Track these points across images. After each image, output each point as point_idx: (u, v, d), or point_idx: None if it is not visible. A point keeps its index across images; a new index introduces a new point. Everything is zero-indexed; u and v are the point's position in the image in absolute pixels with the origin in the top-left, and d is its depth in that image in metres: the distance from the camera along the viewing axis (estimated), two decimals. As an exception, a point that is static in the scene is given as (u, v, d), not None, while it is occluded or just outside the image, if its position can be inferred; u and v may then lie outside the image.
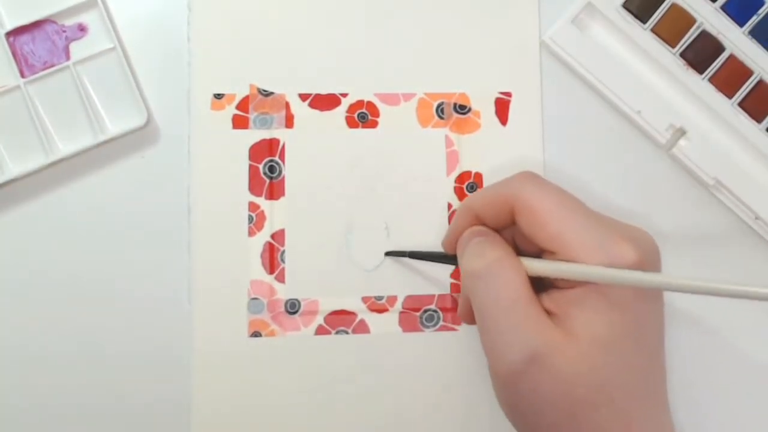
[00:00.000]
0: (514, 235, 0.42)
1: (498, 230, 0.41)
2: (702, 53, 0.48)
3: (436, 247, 0.47)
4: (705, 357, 0.49)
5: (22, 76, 0.47)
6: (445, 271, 0.48)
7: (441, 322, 0.48)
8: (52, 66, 0.47)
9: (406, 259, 0.47)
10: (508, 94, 0.49)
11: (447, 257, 0.45)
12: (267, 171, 0.48)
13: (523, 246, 0.42)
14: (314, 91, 0.48)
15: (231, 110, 0.48)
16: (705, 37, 0.48)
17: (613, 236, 0.37)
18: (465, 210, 0.42)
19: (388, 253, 0.48)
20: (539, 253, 0.40)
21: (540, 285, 0.39)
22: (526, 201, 0.39)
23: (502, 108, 0.49)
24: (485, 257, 0.39)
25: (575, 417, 0.37)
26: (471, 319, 0.42)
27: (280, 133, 0.48)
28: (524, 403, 0.38)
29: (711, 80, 0.48)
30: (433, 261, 0.46)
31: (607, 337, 0.37)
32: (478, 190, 0.43)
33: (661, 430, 0.38)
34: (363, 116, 0.48)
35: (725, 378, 0.49)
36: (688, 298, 0.48)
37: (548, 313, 0.38)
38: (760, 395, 0.49)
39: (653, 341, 0.39)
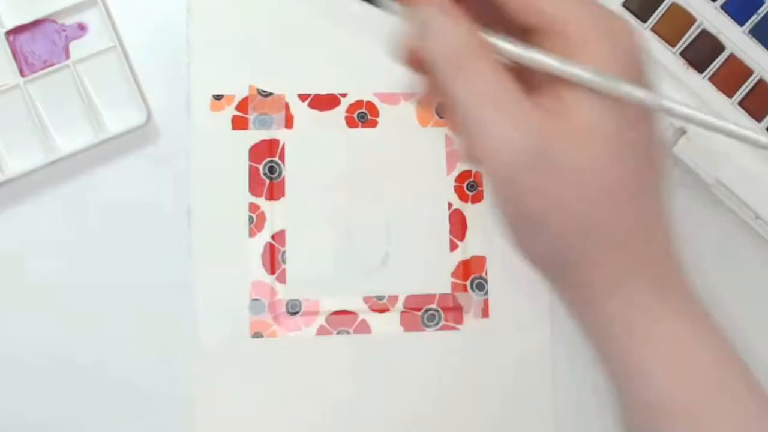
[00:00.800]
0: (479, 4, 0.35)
1: None
2: (702, 52, 0.48)
3: (438, 247, 0.47)
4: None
5: (22, 75, 0.47)
6: (445, 270, 0.48)
7: (442, 322, 0.48)
8: (52, 65, 0.47)
9: (407, 258, 0.47)
10: (508, 93, 0.49)
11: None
12: (267, 171, 0.48)
13: (489, 18, 0.35)
14: (313, 92, 0.48)
15: (230, 111, 0.48)
16: (705, 36, 0.48)
17: (611, 14, 0.32)
18: None
19: None
20: (512, 29, 0.34)
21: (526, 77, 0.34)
22: None
23: (502, 107, 0.49)
24: (454, 41, 0.33)
25: (584, 217, 0.33)
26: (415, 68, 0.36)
27: (279, 134, 0.48)
28: (528, 204, 0.33)
29: (711, 80, 0.48)
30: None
31: (609, 131, 0.32)
32: None
33: (674, 256, 0.35)
34: (362, 116, 0.48)
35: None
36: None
37: (540, 105, 0.33)
38: None
39: (652, 145, 0.34)
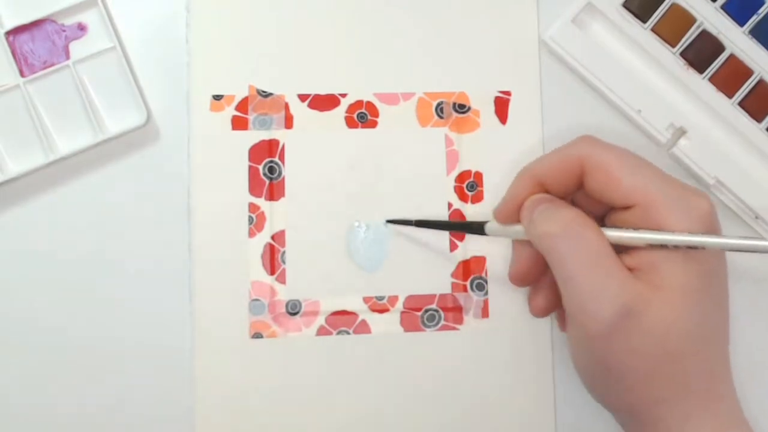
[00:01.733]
0: (576, 202, 0.43)
1: (558, 193, 0.42)
2: (702, 53, 0.48)
3: (438, 247, 0.47)
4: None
5: (22, 75, 0.47)
6: (446, 270, 0.48)
7: (442, 322, 0.48)
8: (52, 65, 0.47)
9: (407, 258, 0.47)
10: (508, 93, 0.49)
11: (465, 226, 0.47)
12: (267, 172, 0.48)
13: (588, 211, 0.42)
14: (313, 92, 0.48)
15: (230, 111, 0.48)
16: (705, 36, 0.48)
17: (686, 189, 0.39)
18: (526, 177, 0.42)
19: (390, 221, 0.48)
20: (607, 215, 0.41)
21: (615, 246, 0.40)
22: (597, 160, 0.40)
23: (501, 107, 0.49)
24: (561, 218, 0.40)
25: (664, 368, 0.38)
26: (523, 282, 0.44)
27: (279, 134, 0.48)
28: (615, 358, 0.38)
29: (711, 80, 0.48)
30: (447, 230, 0.47)
31: (691, 287, 0.38)
32: (536, 159, 0.43)
33: (731, 379, 0.40)
34: (362, 116, 0.48)
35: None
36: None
37: (631, 268, 0.39)
38: None
39: (724, 291, 0.40)
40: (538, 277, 0.43)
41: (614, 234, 0.39)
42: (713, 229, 0.39)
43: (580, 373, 0.41)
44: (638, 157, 0.40)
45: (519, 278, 0.44)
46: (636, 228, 0.39)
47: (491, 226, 0.44)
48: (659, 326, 0.37)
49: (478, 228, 0.45)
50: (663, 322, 0.37)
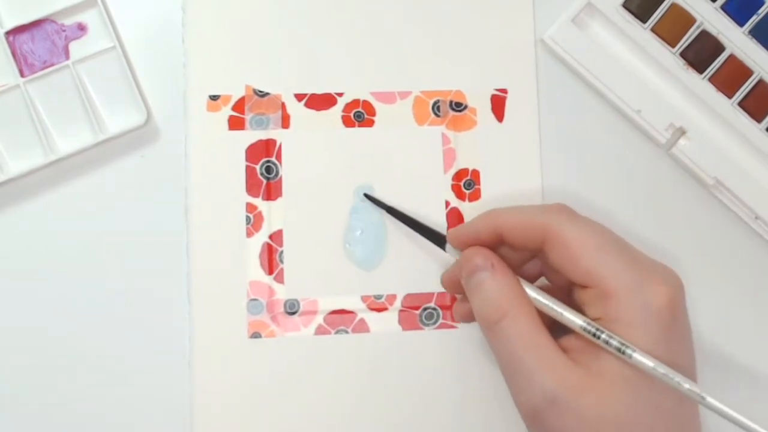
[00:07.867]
0: (542, 266, 0.42)
1: (515, 250, 0.41)
2: (702, 53, 0.48)
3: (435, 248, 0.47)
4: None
5: (22, 75, 0.47)
6: (444, 268, 0.48)
7: (440, 320, 0.48)
8: (52, 65, 0.47)
9: (405, 256, 0.47)
10: (504, 91, 0.49)
11: (431, 233, 0.45)
12: (264, 172, 0.48)
13: (548, 276, 0.42)
14: (310, 91, 0.48)
15: (227, 111, 0.48)
16: (705, 36, 0.48)
17: (648, 277, 0.37)
18: (489, 222, 0.42)
19: (366, 196, 0.48)
20: (567, 286, 0.40)
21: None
22: (561, 234, 0.39)
23: (498, 105, 0.49)
24: (497, 304, 0.39)
25: None
26: (456, 289, 0.45)
27: (276, 134, 0.48)
28: None
29: (711, 80, 0.48)
30: (412, 228, 0.46)
31: (632, 377, 0.37)
32: (508, 207, 0.42)
33: None
34: (359, 115, 0.48)
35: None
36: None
37: (572, 350, 0.38)
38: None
39: (677, 412, 0.38)
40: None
41: (556, 313, 0.39)
42: (671, 322, 0.37)
43: None
44: (606, 236, 0.39)
45: (451, 286, 0.45)
46: (590, 309, 0.38)
47: (451, 247, 0.44)
48: (590, 414, 0.36)
49: (439, 240, 0.44)
50: (595, 410, 0.36)
